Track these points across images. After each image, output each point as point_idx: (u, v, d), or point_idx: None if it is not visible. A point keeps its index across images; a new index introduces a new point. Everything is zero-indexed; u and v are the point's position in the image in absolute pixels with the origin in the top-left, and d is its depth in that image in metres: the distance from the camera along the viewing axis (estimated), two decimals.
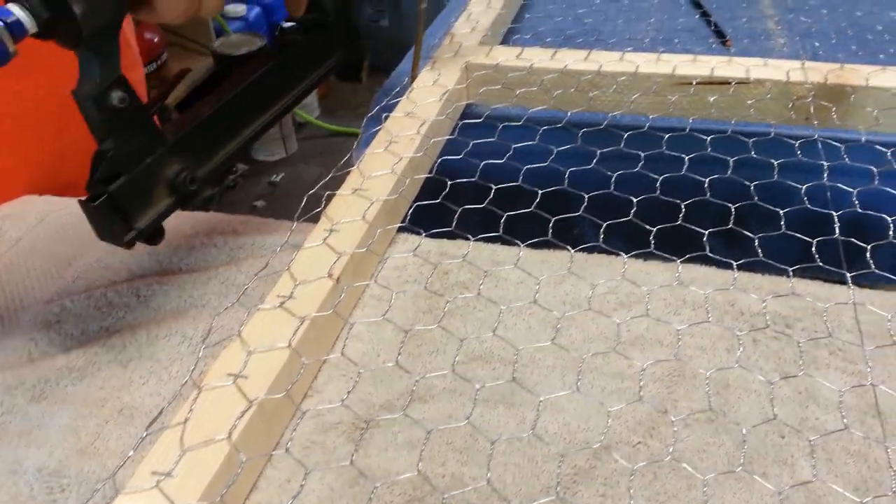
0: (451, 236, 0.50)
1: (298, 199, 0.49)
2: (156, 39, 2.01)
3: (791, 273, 0.44)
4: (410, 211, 0.52)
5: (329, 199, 0.50)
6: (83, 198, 0.38)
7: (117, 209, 0.38)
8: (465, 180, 0.52)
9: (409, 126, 0.57)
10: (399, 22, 2.76)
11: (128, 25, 0.68)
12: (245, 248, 0.53)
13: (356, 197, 0.49)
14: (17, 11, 0.33)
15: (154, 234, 0.42)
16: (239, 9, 2.32)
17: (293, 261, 0.44)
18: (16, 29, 0.33)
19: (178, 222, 0.56)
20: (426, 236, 0.51)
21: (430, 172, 0.54)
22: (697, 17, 0.84)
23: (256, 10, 2.39)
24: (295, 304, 0.41)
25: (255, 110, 0.48)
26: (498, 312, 0.45)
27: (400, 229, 0.52)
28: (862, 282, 0.44)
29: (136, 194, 0.39)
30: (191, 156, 0.43)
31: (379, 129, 0.57)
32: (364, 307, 0.46)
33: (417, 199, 0.53)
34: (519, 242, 0.49)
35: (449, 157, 0.55)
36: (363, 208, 0.48)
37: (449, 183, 0.51)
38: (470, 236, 0.50)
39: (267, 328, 0.39)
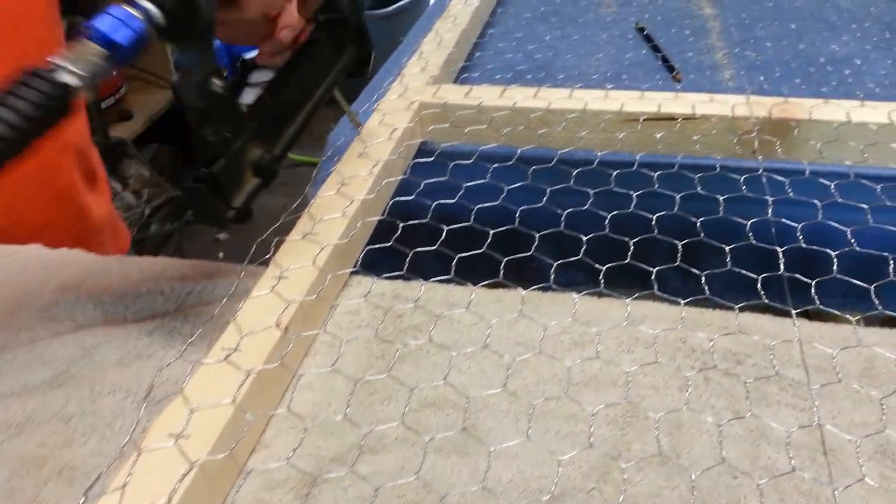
0: (405, 278, 0.50)
1: (263, 231, 0.48)
2: (113, 73, 1.99)
3: (738, 310, 0.44)
4: (363, 254, 0.51)
5: (279, 244, 0.49)
6: (185, 183, 0.41)
7: (218, 190, 0.42)
8: (417, 221, 0.51)
9: (362, 167, 0.57)
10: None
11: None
12: (193, 295, 0.51)
13: (306, 242, 0.49)
14: (146, 5, 0.35)
15: (246, 214, 0.45)
16: None
17: (240, 310, 0.43)
18: (152, 19, 0.35)
19: (125, 269, 0.55)
20: (379, 279, 0.51)
21: (383, 214, 0.54)
22: (645, 51, 0.86)
23: (217, 42, 2.38)
24: (240, 356, 0.40)
25: (303, 98, 0.52)
26: (451, 357, 0.44)
27: (353, 272, 0.51)
28: (811, 313, 0.45)
29: (232, 175, 0.43)
30: (266, 139, 0.47)
31: (331, 171, 0.57)
32: (315, 355, 0.45)
33: (370, 241, 0.53)
34: (471, 284, 0.49)
35: (401, 199, 0.55)
36: (313, 253, 0.47)
37: (401, 225, 0.51)
38: (423, 279, 0.49)
39: (211, 383, 0.38)
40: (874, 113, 0.60)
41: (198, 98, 0.41)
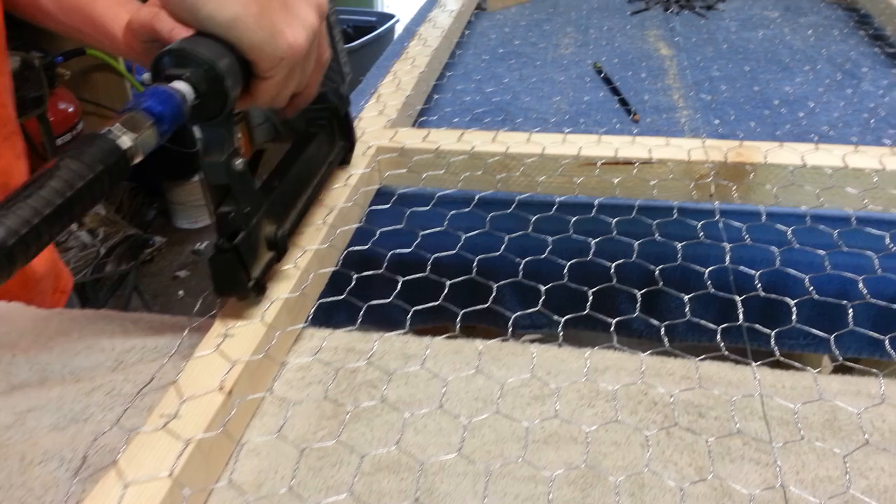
0: (360, 329, 0.48)
1: None
2: (71, 109, 1.95)
3: (698, 361, 0.43)
4: (316, 307, 0.49)
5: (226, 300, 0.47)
6: (211, 255, 0.44)
7: (240, 261, 0.44)
8: (372, 272, 0.50)
9: (315, 214, 0.55)
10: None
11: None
12: (135, 352, 0.49)
13: (254, 298, 0.47)
14: (182, 87, 0.39)
15: (264, 286, 0.47)
16: None
17: (181, 373, 0.41)
18: (186, 99, 0.39)
19: (64, 324, 0.52)
20: (333, 331, 0.49)
21: (337, 265, 0.53)
22: (603, 93, 0.86)
23: None
24: (180, 423, 0.37)
25: (304, 182, 0.55)
26: (406, 416, 0.43)
27: (305, 326, 0.49)
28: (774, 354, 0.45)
29: (250, 249, 0.46)
30: (277, 216, 0.49)
31: None
32: (263, 416, 0.43)
33: (323, 293, 0.51)
34: (430, 336, 0.48)
35: (356, 248, 0.54)
36: (262, 309, 0.45)
37: (355, 277, 0.49)
38: (380, 330, 0.48)
39: (148, 454, 0.36)
40: (828, 156, 0.61)
41: (222, 175, 0.43)
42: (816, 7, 1.12)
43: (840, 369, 0.47)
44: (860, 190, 0.58)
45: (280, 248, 0.48)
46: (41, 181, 0.32)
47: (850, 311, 0.46)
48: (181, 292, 1.95)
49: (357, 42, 2.72)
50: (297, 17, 0.44)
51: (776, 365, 0.46)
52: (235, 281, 0.45)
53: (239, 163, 0.44)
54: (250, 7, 0.41)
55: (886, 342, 0.45)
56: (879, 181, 0.58)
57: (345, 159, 0.63)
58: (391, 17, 3.05)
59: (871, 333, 0.47)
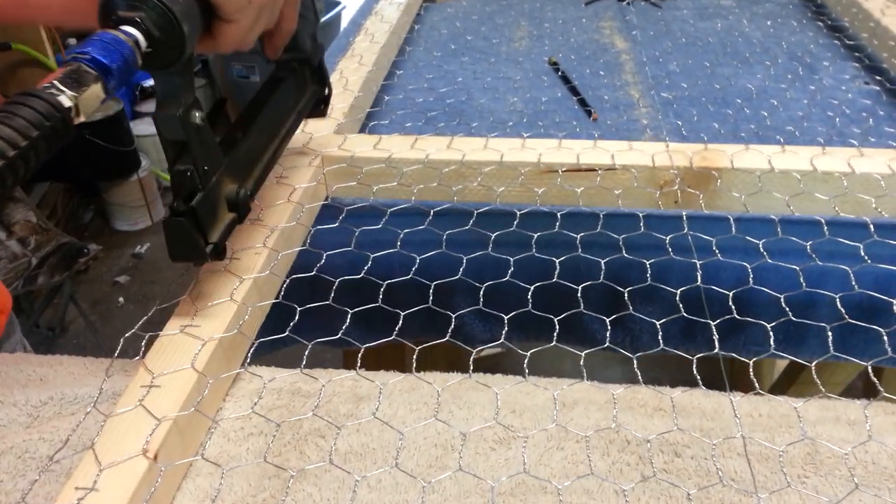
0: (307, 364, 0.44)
1: (167, 272, 0.42)
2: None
3: (672, 398, 0.40)
4: (255, 346, 0.45)
5: (151, 340, 0.42)
6: (165, 219, 0.41)
7: (197, 224, 0.41)
8: (318, 304, 0.45)
9: (254, 236, 0.50)
10: None
11: None
12: (52, 404, 0.43)
13: (185, 337, 0.42)
14: (133, 32, 0.35)
15: (223, 250, 0.44)
16: None
17: (99, 434, 0.36)
18: (139, 45, 0.36)
19: None
20: (276, 371, 0.44)
21: (278, 297, 0.48)
22: (560, 91, 0.82)
23: None
24: (98, 499, 0.33)
25: (270, 135, 0.51)
26: (358, 470, 0.38)
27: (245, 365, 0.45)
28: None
29: (209, 211, 0.42)
30: (239, 174, 0.46)
31: None
32: (196, 477, 0.38)
33: (263, 328, 0.46)
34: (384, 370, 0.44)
35: (299, 276, 0.49)
36: (193, 351, 0.40)
37: (299, 310, 0.45)
38: (332, 348, 0.43)
39: None
40: (796, 159, 0.58)
41: (178, 130, 0.40)
42: None
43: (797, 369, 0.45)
44: (830, 196, 0.55)
45: (242, 209, 0.45)
46: None
47: (830, 335, 0.43)
48: (121, 299, 1.85)
49: None
50: None
51: (749, 385, 0.44)
52: (192, 246, 0.41)
53: (198, 116, 0.40)
54: None
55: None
56: (849, 186, 0.56)
57: (319, 111, 0.59)
58: (337, 3, 2.96)
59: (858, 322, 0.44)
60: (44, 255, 1.34)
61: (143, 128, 2.35)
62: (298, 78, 0.55)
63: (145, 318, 0.44)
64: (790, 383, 1.06)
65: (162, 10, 0.36)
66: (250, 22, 0.41)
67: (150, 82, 2.56)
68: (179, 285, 0.46)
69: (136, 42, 0.35)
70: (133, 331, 0.42)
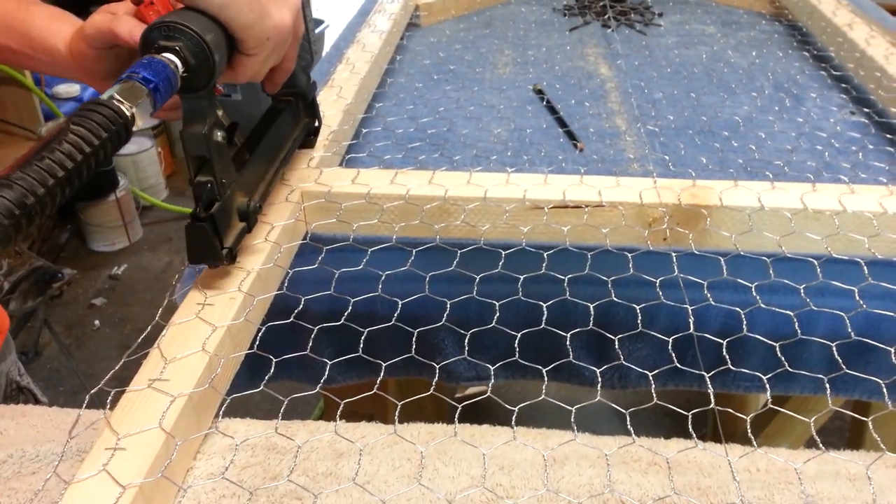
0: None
1: (143, 294, 0.40)
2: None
3: (667, 459, 0.39)
4: (226, 402, 0.42)
5: (117, 396, 0.39)
6: (189, 224, 0.45)
7: (215, 230, 0.45)
8: (295, 354, 0.43)
9: (228, 281, 0.48)
10: (251, 96, 2.67)
11: None
12: (11, 463, 0.41)
13: (153, 392, 0.39)
14: (173, 58, 0.40)
15: (234, 255, 0.48)
16: (72, 89, 2.13)
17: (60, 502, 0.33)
18: (178, 70, 0.40)
19: None
20: (250, 423, 0.42)
21: (252, 347, 0.45)
22: (545, 120, 0.81)
23: (91, 90, 2.22)
24: None
25: (272, 156, 0.56)
26: None
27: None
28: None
29: (224, 219, 0.47)
30: (248, 187, 0.51)
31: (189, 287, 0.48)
32: None
33: (235, 382, 0.44)
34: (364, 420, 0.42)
35: (276, 323, 0.47)
36: (161, 408, 0.38)
37: (275, 361, 0.42)
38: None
39: None
40: (786, 196, 0.57)
41: (202, 146, 0.44)
42: (755, 22, 1.11)
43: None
44: (822, 235, 0.54)
45: (251, 219, 0.49)
46: (51, 147, 0.32)
47: (828, 387, 0.41)
48: (97, 322, 1.81)
49: None
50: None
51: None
52: (210, 249, 0.46)
53: (219, 134, 0.45)
54: None
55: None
56: (841, 224, 0.55)
57: (308, 142, 0.64)
58: (320, 22, 2.95)
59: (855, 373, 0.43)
60: (17, 279, 1.31)
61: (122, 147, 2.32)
62: (294, 110, 0.60)
63: (112, 371, 0.42)
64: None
65: (197, 40, 0.41)
66: (265, 57, 0.46)
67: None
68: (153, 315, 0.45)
69: (176, 66, 0.40)
70: (100, 385, 0.40)
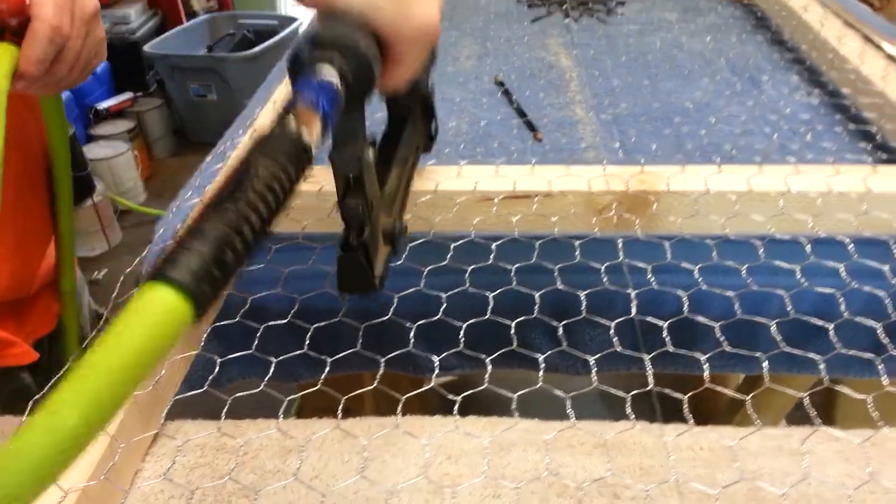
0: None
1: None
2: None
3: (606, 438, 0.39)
4: (171, 405, 0.43)
5: None
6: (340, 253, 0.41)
7: (367, 259, 0.42)
8: (240, 354, 0.44)
9: None
10: (227, 96, 2.67)
11: None
12: None
13: None
14: (333, 77, 0.34)
15: (383, 282, 0.44)
16: None
17: None
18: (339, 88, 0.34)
19: None
20: (197, 423, 0.43)
21: (198, 347, 0.46)
22: (505, 110, 0.82)
23: (67, 93, 2.20)
24: None
25: (404, 166, 0.52)
26: None
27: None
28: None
29: (374, 244, 0.43)
30: (388, 208, 0.46)
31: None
32: None
33: (184, 383, 0.44)
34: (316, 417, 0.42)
35: (222, 324, 0.47)
36: None
37: (219, 361, 0.43)
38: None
39: None
40: (732, 179, 0.58)
41: (354, 167, 0.40)
42: (715, 6, 1.11)
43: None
44: (766, 217, 0.55)
45: (397, 242, 0.46)
46: (243, 183, 0.28)
47: (766, 363, 0.42)
48: None
49: (258, 48, 2.61)
50: None
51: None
52: (362, 279, 0.42)
53: (371, 154, 0.41)
54: None
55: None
56: (785, 205, 0.56)
57: (427, 146, 0.59)
58: (293, 19, 2.94)
59: (792, 350, 0.44)
60: None
61: (98, 151, 2.30)
62: (414, 115, 0.56)
63: (58, 376, 0.42)
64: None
65: (354, 51, 0.35)
66: (414, 60, 0.39)
67: (103, 104, 2.52)
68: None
69: (338, 87, 0.35)
70: (42, 393, 0.40)
